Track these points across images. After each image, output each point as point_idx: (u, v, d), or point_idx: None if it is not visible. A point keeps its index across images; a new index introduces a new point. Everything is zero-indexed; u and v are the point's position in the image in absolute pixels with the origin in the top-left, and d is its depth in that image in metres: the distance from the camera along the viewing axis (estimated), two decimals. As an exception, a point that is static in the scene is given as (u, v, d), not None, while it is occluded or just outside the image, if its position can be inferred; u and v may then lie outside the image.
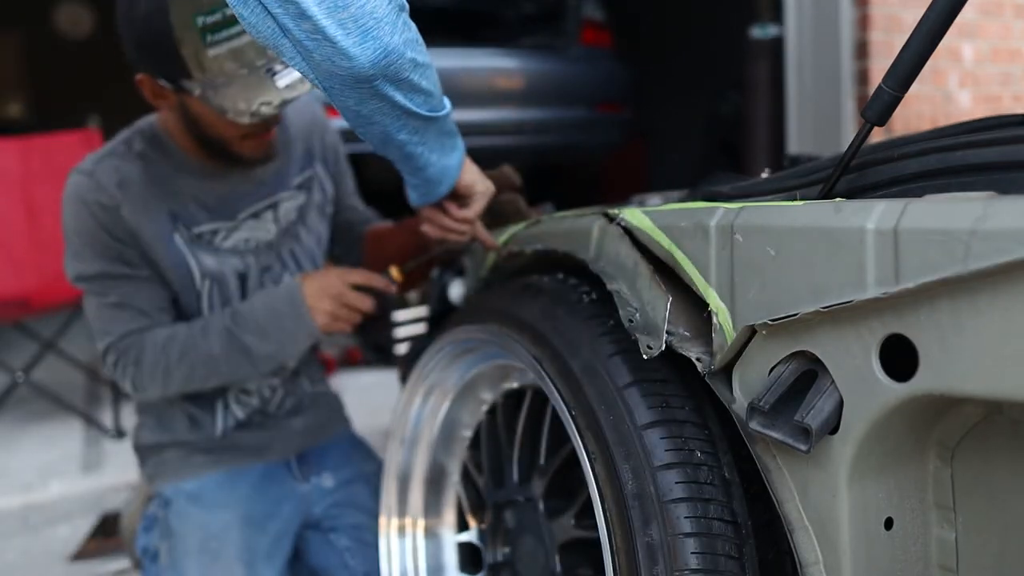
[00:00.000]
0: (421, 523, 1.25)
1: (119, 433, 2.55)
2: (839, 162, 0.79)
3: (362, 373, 3.09)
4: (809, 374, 0.64)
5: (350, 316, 1.25)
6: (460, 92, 3.31)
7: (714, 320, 0.71)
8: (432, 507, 1.25)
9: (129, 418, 2.59)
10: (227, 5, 1.05)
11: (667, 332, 0.75)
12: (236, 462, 1.38)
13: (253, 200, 1.34)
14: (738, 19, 3.82)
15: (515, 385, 1.12)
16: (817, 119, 3.32)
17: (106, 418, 2.66)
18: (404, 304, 1.37)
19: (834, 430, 0.63)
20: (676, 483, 0.72)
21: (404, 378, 1.31)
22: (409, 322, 1.41)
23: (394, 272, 1.28)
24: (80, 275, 1.24)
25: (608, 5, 3.88)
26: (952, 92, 3.57)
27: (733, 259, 0.69)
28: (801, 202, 0.67)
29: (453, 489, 1.24)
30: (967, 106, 3.62)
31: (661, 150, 5.92)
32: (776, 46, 3.40)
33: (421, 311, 1.39)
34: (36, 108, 7.02)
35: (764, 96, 3.45)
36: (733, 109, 4.63)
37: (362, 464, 1.50)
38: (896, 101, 0.76)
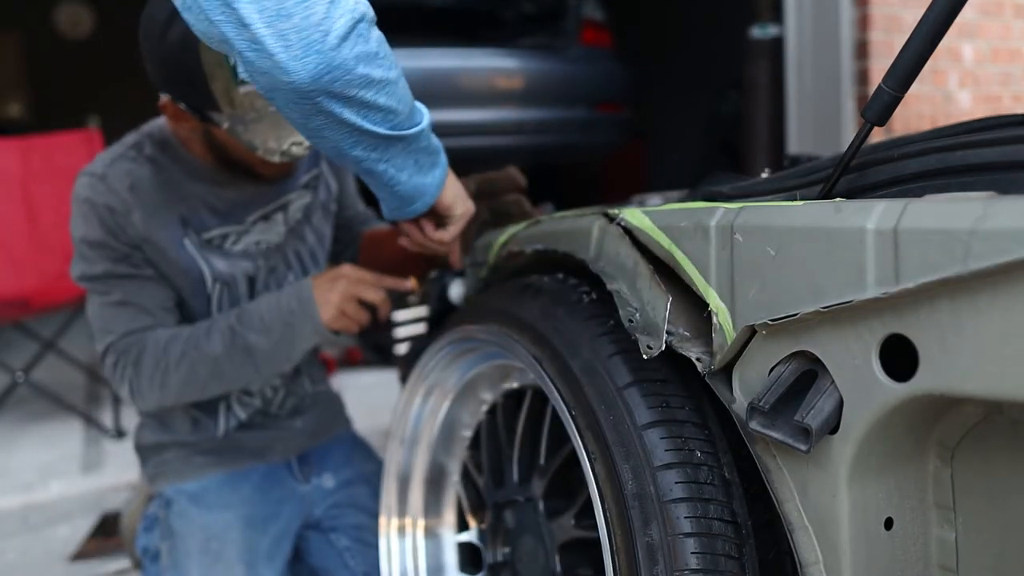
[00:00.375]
0: (421, 523, 1.25)
1: (119, 433, 2.55)
2: (839, 162, 0.79)
3: (362, 373, 3.09)
4: (809, 374, 0.64)
5: (359, 314, 1.22)
6: (460, 92, 3.32)
7: (714, 320, 0.71)
8: (432, 507, 1.25)
9: (129, 418, 2.60)
10: None
11: (667, 332, 0.75)
12: (237, 463, 1.38)
13: (263, 203, 1.33)
14: (738, 19, 3.82)
15: (515, 385, 1.12)
16: (817, 119, 3.32)
17: (106, 418, 2.66)
18: (404, 304, 1.37)
19: (834, 430, 0.63)
20: (676, 483, 0.72)
21: (404, 378, 1.31)
22: (409, 322, 1.41)
23: (412, 283, 1.26)
24: (84, 275, 1.23)
25: (608, 5, 3.89)
26: (952, 92, 3.57)
27: (733, 259, 0.69)
28: (801, 202, 0.67)
29: (453, 489, 1.24)
30: (967, 106, 3.62)
31: (661, 150, 5.92)
32: (776, 46, 3.40)
33: (421, 311, 1.39)
34: (36, 108, 7.03)
35: (764, 96, 3.45)
36: (733, 109, 4.63)
37: (362, 464, 1.50)
38: (896, 101, 0.76)
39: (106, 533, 2.01)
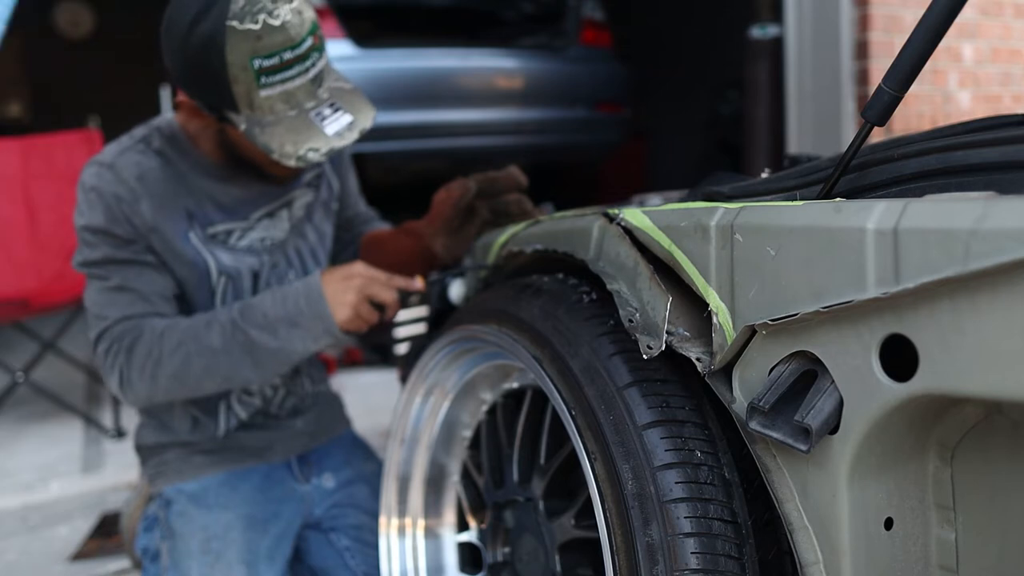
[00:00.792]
0: (421, 523, 1.25)
1: (119, 433, 2.55)
2: (839, 162, 0.79)
3: (362, 373, 3.10)
4: (809, 374, 0.64)
5: (371, 315, 1.21)
6: (460, 92, 3.32)
7: (714, 320, 0.71)
8: (432, 507, 1.25)
9: (129, 418, 2.60)
10: (285, 50, 1.09)
11: (667, 332, 0.75)
12: (237, 463, 1.38)
13: (268, 200, 1.34)
14: (738, 19, 3.82)
15: (515, 385, 1.12)
16: (817, 119, 3.32)
17: (106, 418, 2.66)
18: (404, 304, 1.37)
19: (834, 430, 0.63)
20: (676, 483, 0.72)
21: (404, 378, 1.31)
22: (409, 322, 1.41)
23: (419, 282, 1.26)
24: (85, 260, 1.23)
25: (608, 5, 3.89)
26: (952, 92, 3.57)
27: (733, 259, 0.69)
28: (801, 202, 0.67)
29: (453, 489, 1.24)
30: (967, 106, 3.62)
31: (661, 150, 5.92)
32: (776, 46, 3.41)
33: (421, 311, 1.38)
34: (36, 108, 7.03)
35: (764, 96, 3.45)
36: (733, 109, 4.63)
37: (362, 465, 1.50)
38: (896, 101, 0.76)
39: (106, 533, 2.01)
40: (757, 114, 3.48)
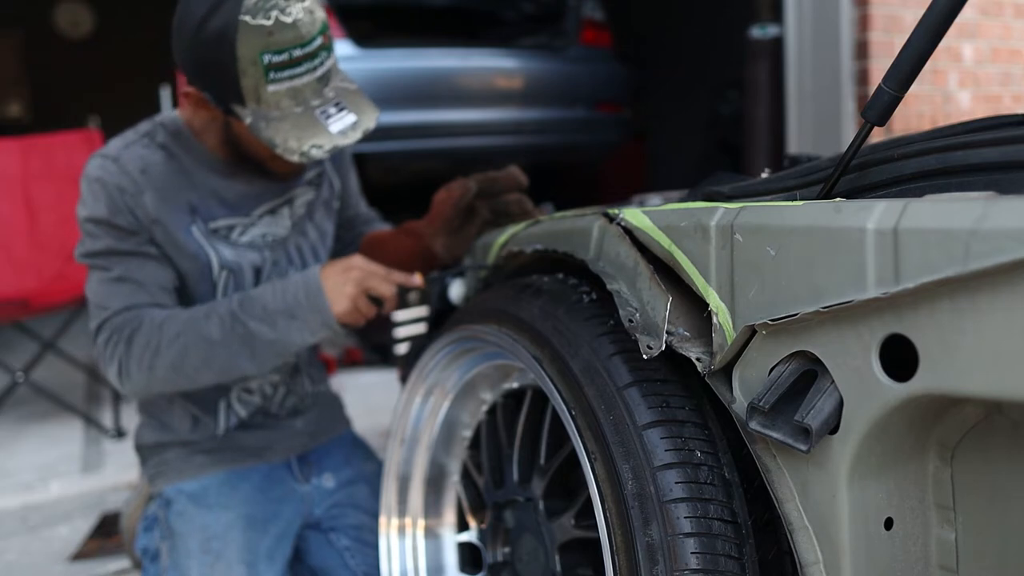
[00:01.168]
0: (421, 523, 1.25)
1: (119, 433, 2.55)
2: (839, 162, 0.79)
3: (362, 373, 3.10)
4: (809, 374, 0.64)
5: (369, 308, 1.21)
6: (460, 92, 3.32)
7: (714, 320, 0.71)
8: (432, 507, 1.25)
9: (129, 418, 2.60)
10: (294, 47, 1.10)
11: (667, 332, 0.75)
12: (237, 462, 1.38)
13: (270, 197, 1.35)
14: (738, 19, 3.82)
15: (515, 385, 1.12)
16: (817, 119, 3.32)
17: (106, 418, 2.66)
18: (404, 304, 1.37)
19: (834, 430, 0.63)
20: (676, 483, 0.72)
21: (404, 378, 1.31)
22: (409, 322, 1.41)
23: (419, 278, 1.26)
24: (88, 251, 1.23)
25: (608, 5, 3.89)
26: (952, 92, 3.57)
27: (733, 259, 0.69)
28: (801, 202, 0.67)
29: (453, 489, 1.24)
30: (967, 106, 3.62)
31: (661, 150, 5.92)
32: (776, 46, 3.41)
33: (421, 311, 1.38)
34: (36, 108, 7.03)
35: (764, 96, 3.45)
36: (733, 109, 4.63)
37: (362, 465, 1.50)
38: (896, 101, 0.76)
39: (106, 533, 2.01)
40: (757, 114, 3.48)
